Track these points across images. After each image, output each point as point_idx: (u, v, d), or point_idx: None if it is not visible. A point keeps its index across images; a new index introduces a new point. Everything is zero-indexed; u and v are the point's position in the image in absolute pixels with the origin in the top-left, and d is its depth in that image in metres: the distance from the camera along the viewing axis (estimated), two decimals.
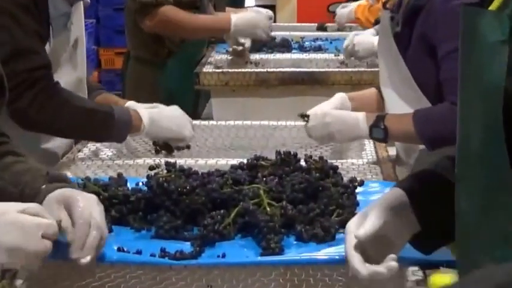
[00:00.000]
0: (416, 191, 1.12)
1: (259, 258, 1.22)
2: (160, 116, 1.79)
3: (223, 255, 1.22)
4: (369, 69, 2.59)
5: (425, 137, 1.66)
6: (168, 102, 1.89)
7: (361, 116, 1.74)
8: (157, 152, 1.84)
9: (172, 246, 1.24)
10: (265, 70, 2.62)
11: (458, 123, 0.91)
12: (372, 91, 1.96)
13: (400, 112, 1.76)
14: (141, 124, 1.75)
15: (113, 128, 1.69)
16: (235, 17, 2.65)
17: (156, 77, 2.79)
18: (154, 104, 1.87)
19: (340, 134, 1.73)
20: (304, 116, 1.80)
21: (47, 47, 1.67)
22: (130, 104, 1.90)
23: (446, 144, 1.57)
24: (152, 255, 1.22)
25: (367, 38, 2.58)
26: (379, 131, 1.71)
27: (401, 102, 1.76)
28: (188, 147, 1.86)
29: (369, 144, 1.89)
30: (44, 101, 1.59)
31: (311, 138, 1.81)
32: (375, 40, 2.31)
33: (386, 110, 1.87)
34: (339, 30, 3.48)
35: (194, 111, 2.92)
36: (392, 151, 1.91)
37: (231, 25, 2.63)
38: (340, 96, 1.90)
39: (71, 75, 1.80)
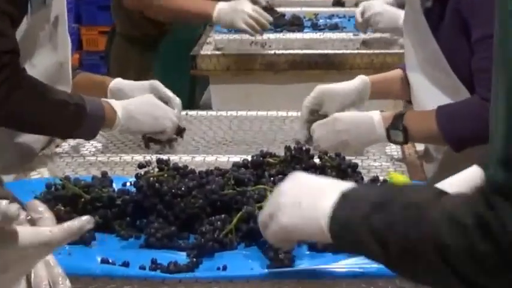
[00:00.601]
0: None
1: (266, 271, 1.21)
2: (136, 107, 1.79)
3: (224, 268, 1.22)
4: (394, 51, 2.58)
5: (450, 137, 1.65)
6: None
7: (376, 117, 1.73)
8: (147, 147, 1.84)
9: (165, 257, 1.23)
10: (272, 52, 2.61)
11: (490, 115, 0.92)
12: (395, 73, 1.96)
13: (430, 99, 1.75)
14: (115, 118, 1.75)
15: (83, 122, 1.70)
16: (222, 4, 2.63)
17: (146, 59, 2.78)
18: (151, 82, 1.86)
19: (354, 142, 1.73)
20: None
21: (23, 24, 1.67)
22: (117, 82, 1.90)
23: (474, 144, 1.57)
24: (142, 267, 1.21)
25: (392, 9, 2.55)
26: (398, 133, 1.71)
27: (432, 88, 1.75)
28: (177, 137, 1.84)
29: None
30: (8, 90, 1.59)
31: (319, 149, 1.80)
32: (400, 13, 2.29)
33: (413, 98, 1.86)
34: (357, 5, 3.46)
35: (190, 100, 2.92)
36: (420, 146, 1.90)
37: (215, 11, 2.60)
38: (360, 81, 1.90)
39: (50, 58, 1.80)
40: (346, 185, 1.05)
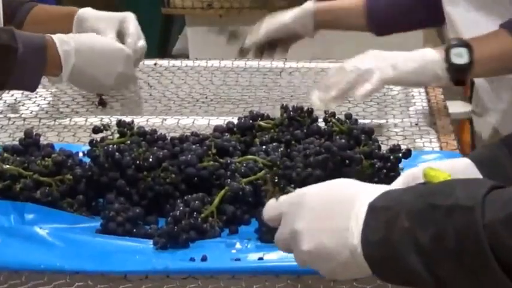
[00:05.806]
0: (490, 160, 1.15)
1: (256, 264, 1.22)
2: (95, 49, 1.71)
3: (204, 259, 1.22)
4: None
5: None
6: None
7: (429, 51, 1.67)
8: (103, 105, 1.83)
9: (127, 247, 1.24)
10: None
11: None
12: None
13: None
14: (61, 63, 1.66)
15: (13, 68, 1.61)
16: None
17: None
18: (125, 14, 1.81)
19: (408, 79, 1.67)
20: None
21: None
22: (84, 12, 1.82)
23: None
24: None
25: None
26: (460, 51, 1.63)
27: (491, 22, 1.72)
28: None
29: (418, 96, 1.89)
30: None
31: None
32: None
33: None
34: None
35: (162, 46, 2.92)
36: (453, 108, 1.90)
37: None
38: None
39: None
40: (377, 190, 1.01)
